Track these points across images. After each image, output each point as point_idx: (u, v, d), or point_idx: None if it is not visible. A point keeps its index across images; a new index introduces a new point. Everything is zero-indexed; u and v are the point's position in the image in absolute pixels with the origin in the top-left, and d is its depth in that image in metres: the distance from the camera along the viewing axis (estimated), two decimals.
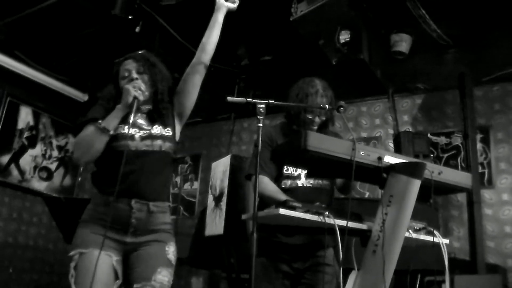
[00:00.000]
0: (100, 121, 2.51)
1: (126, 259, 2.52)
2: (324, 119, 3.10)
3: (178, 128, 2.80)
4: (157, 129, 2.64)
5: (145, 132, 2.61)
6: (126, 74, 2.65)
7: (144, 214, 2.51)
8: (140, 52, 2.78)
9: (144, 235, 2.52)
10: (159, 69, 2.72)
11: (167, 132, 2.67)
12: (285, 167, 3.06)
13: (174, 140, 2.72)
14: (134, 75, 2.63)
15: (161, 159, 2.61)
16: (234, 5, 2.89)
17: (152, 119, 2.67)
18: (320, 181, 3.08)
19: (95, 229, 2.46)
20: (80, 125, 2.60)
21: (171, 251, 2.57)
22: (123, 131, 2.55)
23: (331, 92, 3.09)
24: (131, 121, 2.46)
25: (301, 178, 3.05)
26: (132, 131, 2.56)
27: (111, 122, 2.51)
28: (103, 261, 2.41)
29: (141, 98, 2.54)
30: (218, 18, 2.85)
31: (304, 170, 3.01)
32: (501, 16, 4.96)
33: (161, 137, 2.63)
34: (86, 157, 2.55)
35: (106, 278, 2.42)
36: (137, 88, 2.55)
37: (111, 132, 2.51)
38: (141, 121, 2.65)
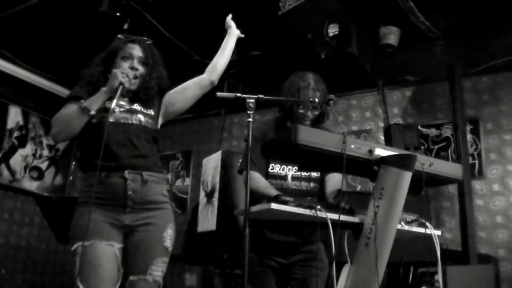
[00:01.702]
0: (82, 100, 2.49)
1: (125, 244, 2.50)
2: (317, 113, 3.10)
3: (160, 120, 2.79)
4: (137, 106, 2.64)
5: (125, 108, 2.60)
6: (128, 56, 2.66)
7: (139, 184, 2.50)
8: (147, 42, 2.78)
9: (142, 212, 2.50)
10: (157, 68, 2.72)
11: (148, 111, 2.66)
12: (271, 165, 3.07)
13: (155, 120, 2.70)
14: (136, 64, 2.64)
15: (141, 132, 2.59)
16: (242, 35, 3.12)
17: (133, 100, 2.66)
18: (307, 184, 3.08)
19: (94, 215, 2.42)
20: (61, 103, 2.59)
21: (168, 235, 2.55)
22: (103, 106, 2.53)
23: (323, 86, 3.09)
24: (113, 106, 2.45)
25: (288, 179, 3.05)
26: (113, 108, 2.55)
27: (93, 103, 2.49)
28: (107, 255, 2.41)
29: (127, 85, 2.52)
30: (231, 43, 3.05)
31: (295, 164, 3.01)
32: (489, 7, 4.97)
33: (141, 112, 2.63)
34: (63, 134, 2.54)
35: (111, 274, 2.42)
36: (125, 74, 2.53)
37: (92, 113, 2.48)
38: (122, 102, 2.62)
